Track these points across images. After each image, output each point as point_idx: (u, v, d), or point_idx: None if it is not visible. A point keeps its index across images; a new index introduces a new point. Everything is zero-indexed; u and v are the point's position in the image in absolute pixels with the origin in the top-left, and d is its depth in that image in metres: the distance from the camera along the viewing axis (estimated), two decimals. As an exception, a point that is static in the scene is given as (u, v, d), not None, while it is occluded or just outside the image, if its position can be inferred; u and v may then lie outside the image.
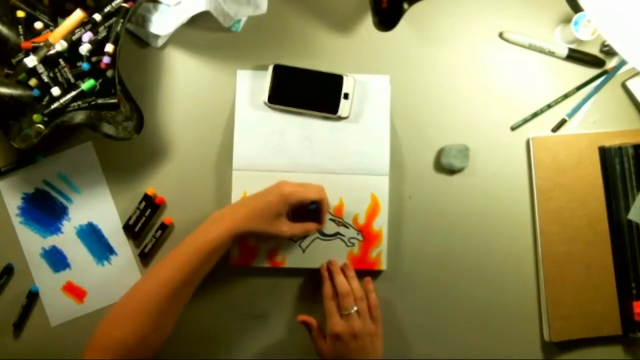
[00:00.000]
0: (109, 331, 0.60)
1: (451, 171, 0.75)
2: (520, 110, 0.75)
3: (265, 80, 0.73)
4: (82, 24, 0.69)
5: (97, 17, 0.68)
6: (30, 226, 0.74)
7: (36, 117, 0.67)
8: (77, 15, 0.69)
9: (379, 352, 0.68)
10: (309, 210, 0.72)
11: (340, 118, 0.73)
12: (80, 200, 0.74)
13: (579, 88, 0.76)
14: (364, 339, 0.67)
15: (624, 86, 0.76)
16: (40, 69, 0.68)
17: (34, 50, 0.68)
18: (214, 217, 0.66)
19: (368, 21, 0.75)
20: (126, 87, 0.69)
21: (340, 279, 0.70)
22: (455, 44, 0.76)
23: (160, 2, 0.70)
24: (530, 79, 0.76)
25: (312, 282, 0.74)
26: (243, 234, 0.65)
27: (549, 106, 0.75)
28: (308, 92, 0.73)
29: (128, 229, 0.74)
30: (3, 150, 0.73)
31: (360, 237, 0.74)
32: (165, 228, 0.74)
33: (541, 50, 0.75)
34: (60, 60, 0.68)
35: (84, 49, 0.68)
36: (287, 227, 0.67)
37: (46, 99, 0.69)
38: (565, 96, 0.76)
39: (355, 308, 0.68)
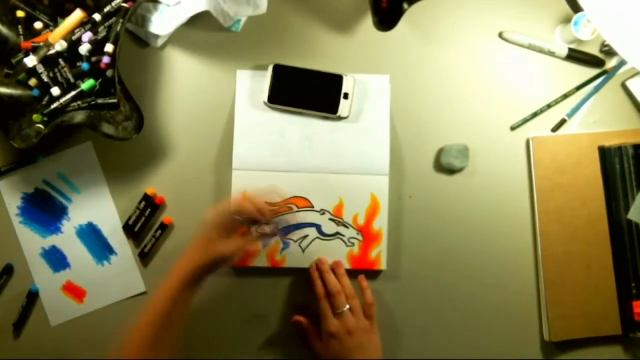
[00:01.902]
0: None
1: (451, 171, 0.75)
2: (520, 110, 0.75)
3: (265, 80, 0.73)
4: (82, 24, 0.69)
5: (97, 17, 0.68)
6: (30, 226, 0.74)
7: (36, 117, 0.67)
8: (77, 15, 0.69)
9: (378, 348, 0.68)
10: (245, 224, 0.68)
11: (340, 118, 0.73)
12: (80, 200, 0.74)
13: (579, 88, 0.76)
14: (359, 336, 0.67)
15: (624, 86, 0.76)
16: (40, 69, 0.68)
17: (34, 50, 0.68)
18: (172, 270, 0.65)
19: (368, 21, 0.75)
20: (126, 87, 0.69)
21: (330, 278, 0.70)
22: (455, 44, 0.76)
23: (160, 2, 0.70)
24: (530, 79, 0.76)
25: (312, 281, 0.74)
26: (198, 272, 0.63)
27: (549, 106, 0.75)
28: (308, 92, 0.73)
29: (128, 229, 0.74)
30: (3, 150, 0.73)
31: (360, 237, 0.74)
32: (165, 228, 0.74)
33: (541, 50, 0.75)
34: (60, 60, 0.68)
35: (84, 49, 0.68)
36: (223, 247, 0.64)
37: (46, 99, 0.69)
38: (565, 96, 0.76)
39: (348, 306, 0.68)
